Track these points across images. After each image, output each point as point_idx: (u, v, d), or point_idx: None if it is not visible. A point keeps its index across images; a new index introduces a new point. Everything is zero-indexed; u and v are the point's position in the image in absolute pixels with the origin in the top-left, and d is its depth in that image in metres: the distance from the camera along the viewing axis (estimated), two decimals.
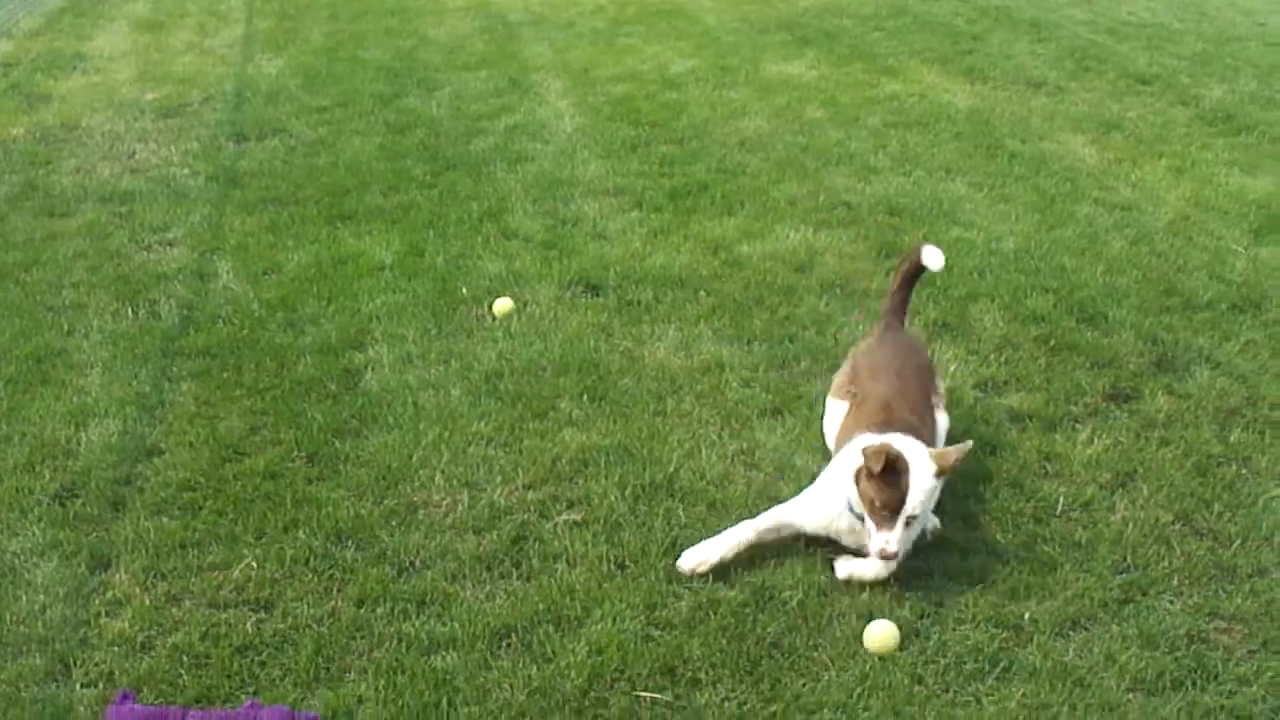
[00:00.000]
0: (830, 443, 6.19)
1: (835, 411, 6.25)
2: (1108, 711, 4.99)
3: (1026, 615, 5.42)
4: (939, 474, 5.46)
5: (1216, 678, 5.21)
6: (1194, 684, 5.15)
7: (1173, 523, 6.11)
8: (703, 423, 6.65)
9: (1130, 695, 5.08)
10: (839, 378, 6.42)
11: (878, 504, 5.36)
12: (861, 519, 5.51)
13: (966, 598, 5.50)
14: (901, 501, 5.35)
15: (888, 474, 5.33)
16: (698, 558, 5.55)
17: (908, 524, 5.41)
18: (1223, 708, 5.05)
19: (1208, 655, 5.31)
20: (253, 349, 7.45)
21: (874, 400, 6.02)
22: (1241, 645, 5.42)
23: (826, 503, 5.68)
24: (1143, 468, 6.49)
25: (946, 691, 5.01)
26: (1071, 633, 5.37)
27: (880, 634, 5.19)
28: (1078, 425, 6.86)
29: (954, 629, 5.33)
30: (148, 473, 6.25)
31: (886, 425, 5.75)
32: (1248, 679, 5.22)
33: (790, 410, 6.79)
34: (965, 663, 5.15)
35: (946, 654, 5.18)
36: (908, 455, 5.40)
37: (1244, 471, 6.61)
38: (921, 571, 5.63)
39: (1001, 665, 5.15)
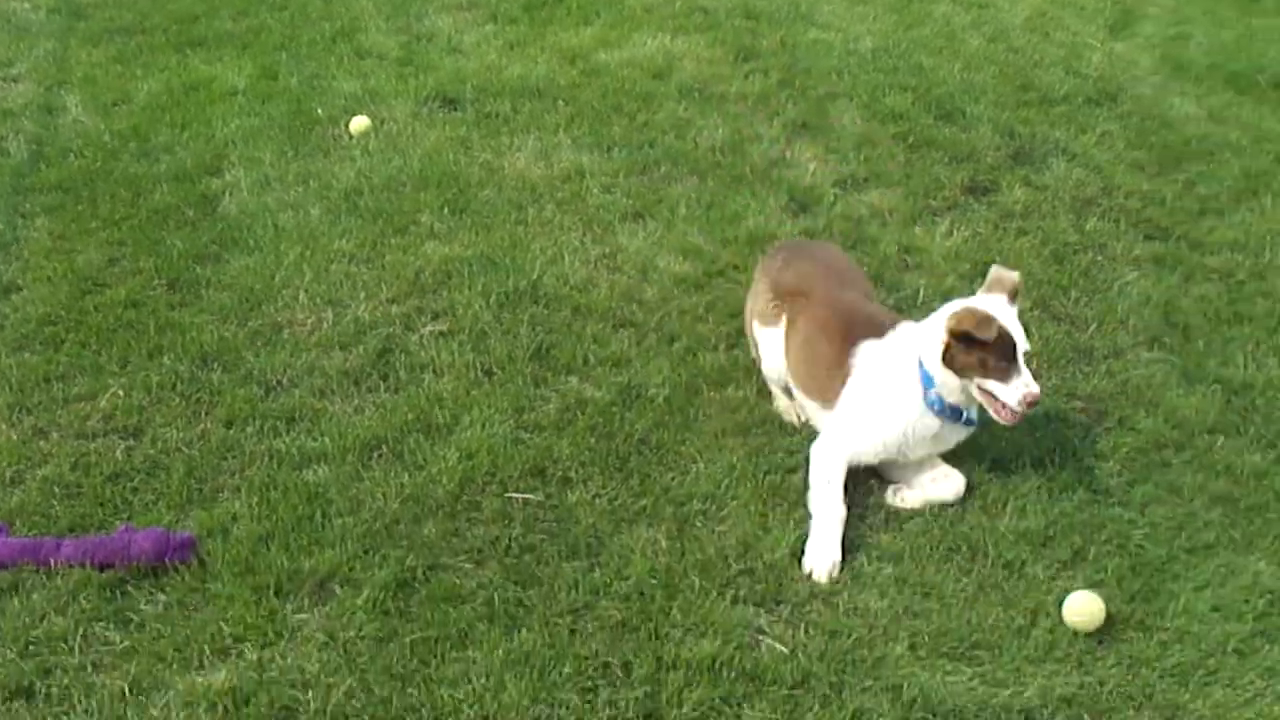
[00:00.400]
0: (777, 373, 5.55)
1: (771, 339, 5.55)
2: (968, 491, 5.12)
3: None
4: (1014, 301, 5.10)
5: (1075, 454, 5.36)
6: (1052, 462, 5.30)
7: (1031, 309, 6.23)
8: (564, 229, 6.65)
9: (990, 475, 5.23)
10: (757, 304, 5.67)
11: (993, 361, 4.89)
12: (954, 412, 5.06)
13: None
14: (1014, 343, 4.93)
15: (987, 329, 4.88)
16: (827, 563, 4.82)
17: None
18: (1080, 483, 5.21)
19: (1066, 434, 5.47)
20: (107, 180, 7.29)
21: (836, 305, 5.43)
22: (1098, 423, 5.58)
23: (896, 417, 5.09)
24: (1001, 257, 6.58)
25: None
26: None
27: (1084, 608, 4.67)
28: (937, 219, 6.95)
29: None
30: (6, 310, 6.14)
31: (870, 321, 5.34)
32: (1103, 454, 5.39)
33: (651, 214, 6.80)
34: None
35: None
36: (985, 305, 5.02)
37: (1099, 258, 6.75)
38: None
39: None
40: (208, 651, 4.34)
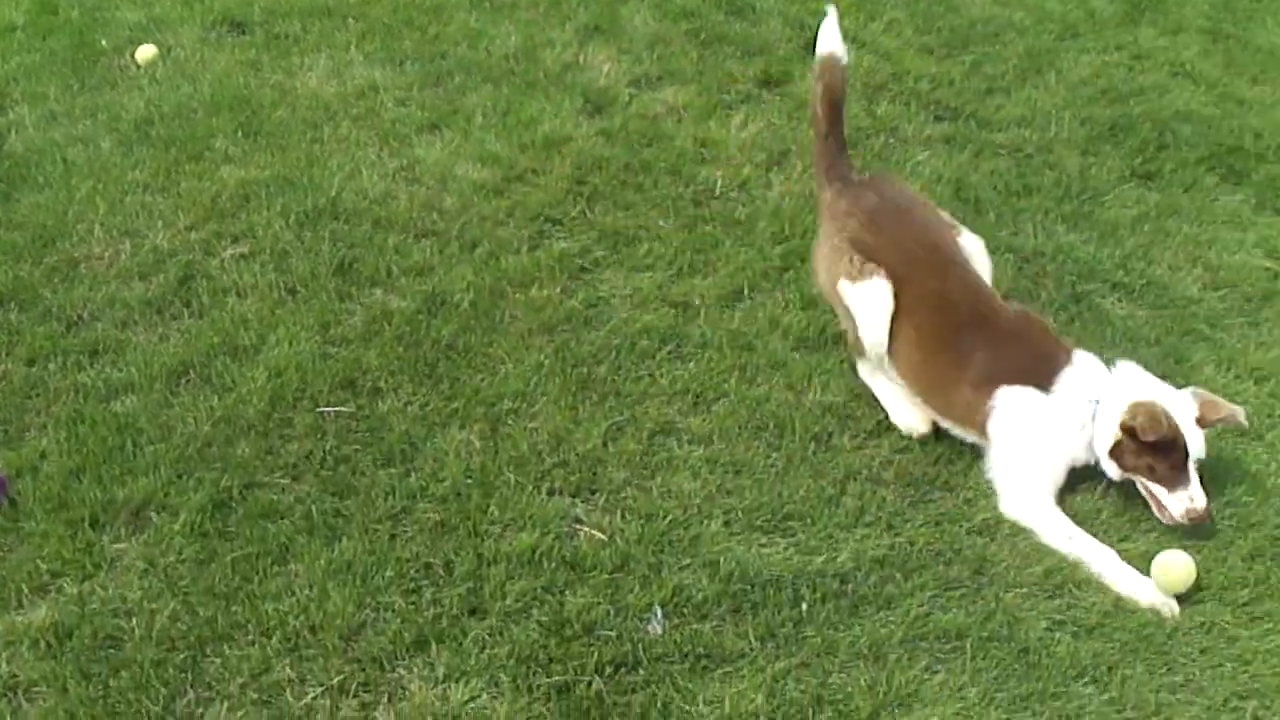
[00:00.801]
0: (879, 348, 5.08)
1: (869, 296, 5.03)
2: (774, 369, 5.24)
3: (694, 293, 5.62)
4: (1202, 424, 4.74)
5: None
6: None
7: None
8: (361, 145, 6.60)
9: (795, 354, 5.35)
10: (838, 265, 5.13)
11: (1161, 468, 4.66)
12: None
13: (635, 282, 5.66)
14: (1186, 455, 4.66)
15: (1156, 428, 4.61)
16: (1150, 597, 4.57)
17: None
18: None
19: None
20: None
21: (948, 298, 5.00)
22: None
23: (1049, 455, 4.84)
24: (796, 145, 6.70)
25: (620, 371, 5.19)
26: (737, 304, 5.61)
27: (1175, 567, 4.57)
28: (731, 112, 7.03)
29: (626, 314, 5.49)
30: None
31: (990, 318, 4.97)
32: None
33: (447, 125, 6.78)
34: (639, 342, 5.34)
35: (619, 336, 5.34)
36: (1169, 406, 4.68)
37: (892, 141, 6.90)
38: (586, 266, 5.79)
39: (673, 342, 5.36)
40: (26, 590, 4.32)
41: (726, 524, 4.57)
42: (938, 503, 4.76)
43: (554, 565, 4.34)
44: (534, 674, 3.99)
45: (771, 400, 5.10)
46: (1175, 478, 4.63)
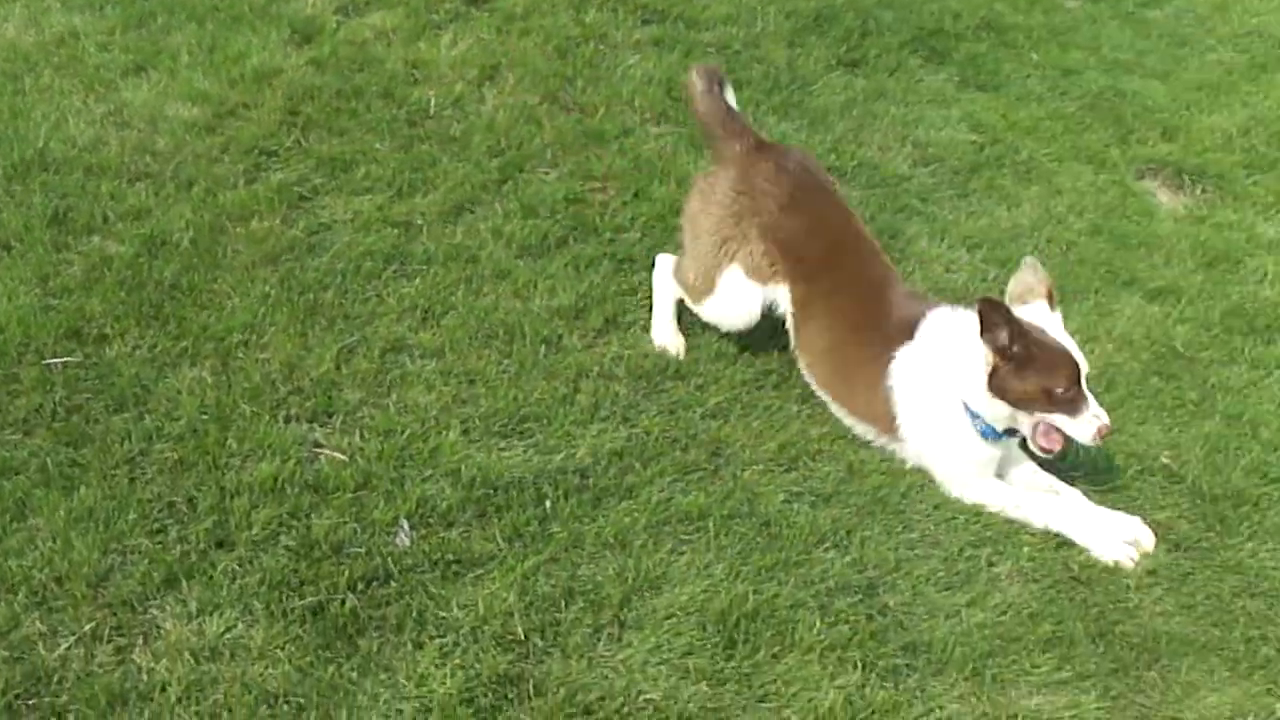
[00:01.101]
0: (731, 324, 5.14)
1: (749, 294, 5.04)
2: (499, 279, 5.34)
3: (415, 212, 5.69)
4: (1054, 306, 4.63)
5: (596, 230, 5.64)
6: (575, 239, 5.58)
7: (540, 103, 6.46)
8: (65, 93, 6.43)
9: (519, 261, 5.46)
10: (743, 249, 5.01)
11: (1057, 391, 4.44)
12: (1011, 431, 4.69)
13: (356, 206, 5.70)
14: (1078, 368, 4.47)
15: (1028, 346, 4.43)
16: (1117, 550, 4.60)
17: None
18: (605, 255, 5.50)
19: (586, 213, 5.74)
20: None
21: (866, 296, 4.94)
22: (616, 199, 5.87)
23: (958, 448, 4.74)
24: (507, 59, 6.77)
25: (346, 294, 5.23)
26: (458, 218, 5.69)
27: None
28: (440, 31, 7.05)
29: (348, 238, 5.52)
30: None
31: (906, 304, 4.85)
32: (625, 226, 5.70)
33: (153, 66, 6.65)
34: (363, 264, 5.38)
35: (343, 260, 5.38)
36: (1038, 319, 4.53)
37: (602, 47, 7.02)
38: (305, 195, 5.79)
39: (397, 261, 5.41)
40: None
41: (465, 432, 4.66)
42: (670, 392, 4.93)
43: (297, 490, 4.38)
44: (287, 598, 4.02)
45: (499, 309, 5.20)
46: (1073, 399, 4.45)
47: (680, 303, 5.17)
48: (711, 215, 5.03)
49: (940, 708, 4.00)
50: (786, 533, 4.46)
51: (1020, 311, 4.47)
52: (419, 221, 5.62)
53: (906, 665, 4.11)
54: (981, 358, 4.47)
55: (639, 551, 4.30)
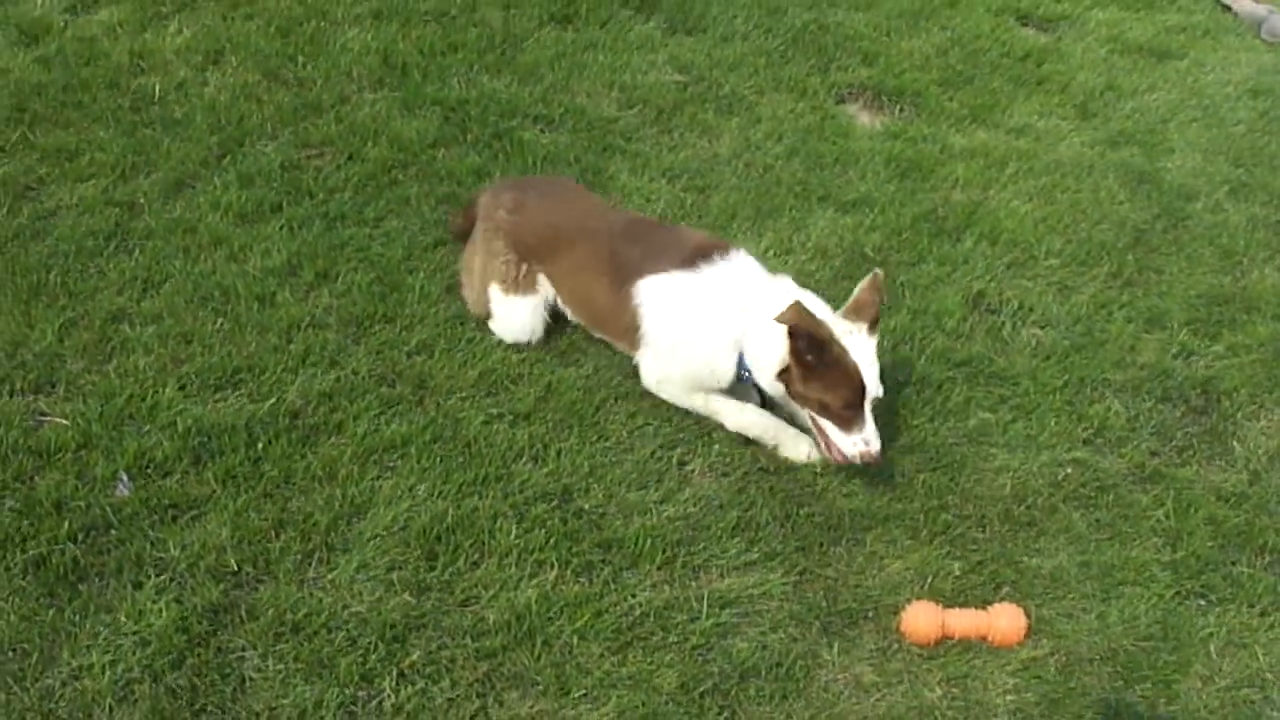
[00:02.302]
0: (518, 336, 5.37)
1: (515, 309, 5.33)
2: (217, 246, 5.62)
3: (138, 192, 5.92)
4: (874, 332, 4.74)
5: (311, 194, 5.94)
6: (290, 203, 5.87)
7: (261, 81, 6.71)
8: None
9: (235, 228, 5.74)
10: (492, 265, 5.34)
11: (835, 405, 4.63)
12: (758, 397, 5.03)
13: (80, 192, 5.89)
14: (863, 391, 4.63)
15: (827, 361, 4.57)
16: (801, 445, 4.98)
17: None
18: (318, 215, 5.84)
19: (302, 178, 6.03)
20: None
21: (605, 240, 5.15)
22: (331, 163, 6.16)
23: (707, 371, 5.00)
24: (230, 43, 7.01)
25: (69, 273, 5.43)
26: (179, 194, 5.94)
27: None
28: (166, 22, 7.25)
29: (72, 222, 5.71)
30: None
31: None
32: (339, 187, 6.01)
33: None
34: (85, 244, 5.58)
35: (67, 243, 5.57)
36: (836, 329, 4.62)
37: (324, 24, 7.29)
38: (31, 185, 5.95)
39: (118, 238, 5.64)
40: None
41: (182, 389, 4.92)
42: (378, 334, 5.25)
43: (20, 456, 4.59)
44: (10, 554, 4.26)
45: (217, 273, 5.47)
46: (852, 418, 4.63)
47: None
48: (474, 252, 5.42)
49: (633, 595, 4.39)
50: (486, 451, 4.82)
51: (839, 326, 4.64)
52: (141, 200, 5.84)
53: (601, 560, 4.50)
54: (779, 349, 4.68)
55: (346, 481, 4.63)
